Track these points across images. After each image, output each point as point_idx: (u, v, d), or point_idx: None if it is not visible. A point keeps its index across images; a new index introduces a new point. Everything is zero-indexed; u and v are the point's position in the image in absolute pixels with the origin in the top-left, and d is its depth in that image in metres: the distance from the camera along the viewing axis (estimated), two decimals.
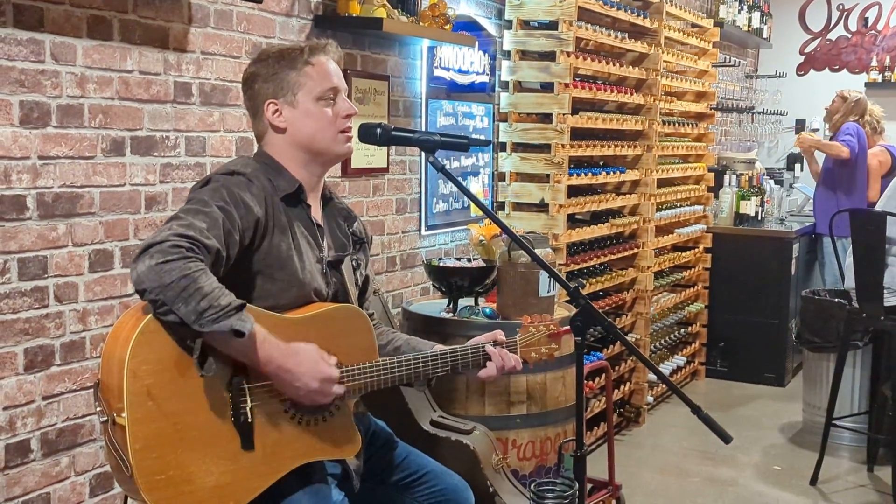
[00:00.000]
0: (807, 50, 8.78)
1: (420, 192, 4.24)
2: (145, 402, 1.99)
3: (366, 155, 3.84)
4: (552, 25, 4.57)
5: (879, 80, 8.43)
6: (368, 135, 2.37)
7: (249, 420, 2.11)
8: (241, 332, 1.99)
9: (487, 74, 4.54)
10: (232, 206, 2.14)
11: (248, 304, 2.11)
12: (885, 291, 4.46)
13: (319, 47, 2.36)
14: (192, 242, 2.00)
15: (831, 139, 6.47)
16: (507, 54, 4.67)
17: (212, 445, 2.07)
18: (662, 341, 5.97)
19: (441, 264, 3.69)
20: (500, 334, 2.49)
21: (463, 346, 2.45)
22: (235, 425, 2.10)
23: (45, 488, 2.68)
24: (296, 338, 2.19)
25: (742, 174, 6.93)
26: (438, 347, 2.47)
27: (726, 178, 6.81)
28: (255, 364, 2.08)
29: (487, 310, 3.60)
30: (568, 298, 2.30)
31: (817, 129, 8.19)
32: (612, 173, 5.08)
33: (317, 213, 2.40)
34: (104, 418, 2.04)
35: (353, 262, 2.49)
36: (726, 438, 2.18)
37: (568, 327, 2.34)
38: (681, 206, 6.16)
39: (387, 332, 2.57)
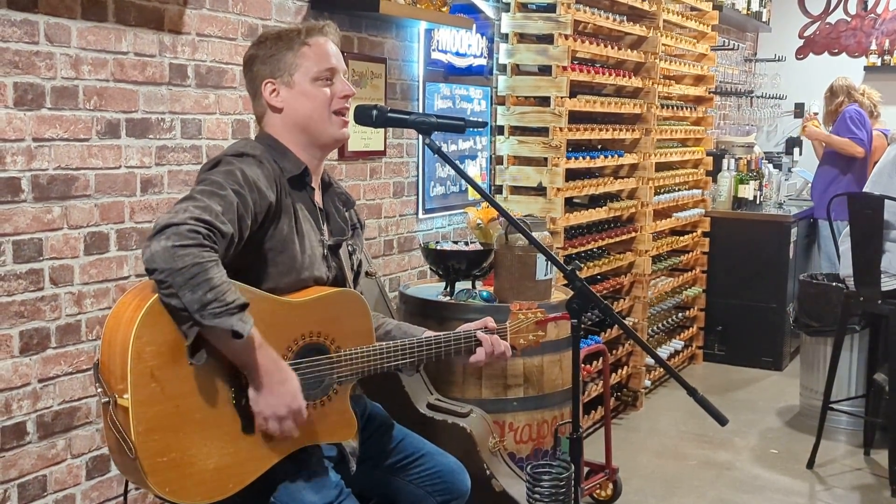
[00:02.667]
0: (806, 33, 8.75)
1: (417, 176, 4.23)
2: (149, 383, 1.98)
3: (363, 138, 3.83)
4: (550, 8, 4.55)
5: (878, 64, 8.40)
6: (364, 116, 2.36)
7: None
8: (240, 334, 1.97)
9: (485, 57, 4.52)
10: (246, 190, 2.12)
11: (249, 287, 2.12)
12: (882, 275, 4.46)
13: (317, 28, 2.36)
14: (210, 228, 1.99)
15: (832, 123, 6.48)
16: (504, 37, 4.65)
17: (213, 428, 2.07)
18: (660, 325, 5.97)
19: (438, 247, 3.68)
20: (490, 321, 2.52)
21: (455, 332, 2.47)
22: (237, 408, 2.10)
23: (42, 471, 2.69)
24: (297, 321, 2.20)
25: (740, 158, 6.92)
26: (430, 333, 2.50)
27: (725, 161, 6.80)
28: (243, 366, 2.07)
29: (485, 293, 3.60)
30: (565, 281, 2.30)
31: (817, 113, 8.17)
32: (610, 157, 5.07)
33: (318, 198, 2.41)
34: (105, 399, 2.04)
35: (350, 248, 2.49)
36: (722, 420, 2.18)
37: (555, 314, 2.36)
38: (679, 189, 6.15)
39: (376, 316, 2.57)
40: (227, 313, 1.95)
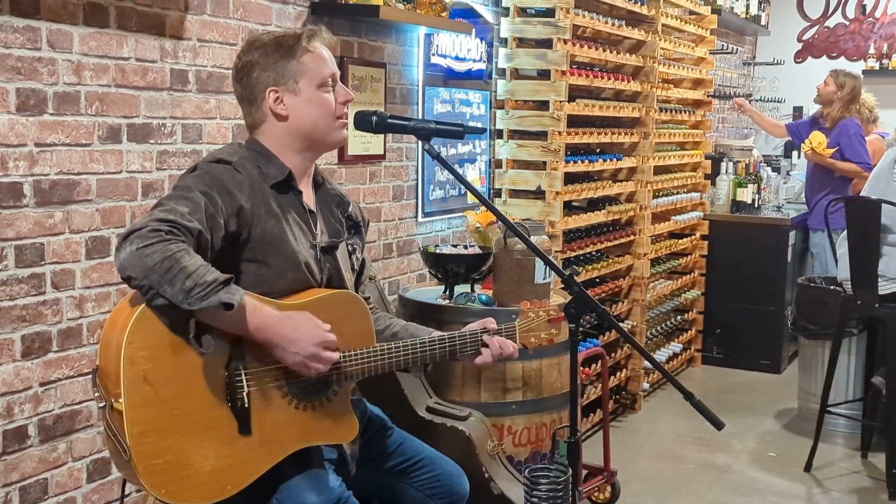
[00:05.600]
0: (805, 37, 8.76)
1: (417, 179, 4.25)
2: (142, 387, 2.00)
3: (362, 142, 3.84)
4: (549, 13, 4.57)
5: (877, 68, 8.42)
6: (364, 122, 2.38)
7: (247, 405, 2.13)
8: (231, 304, 2.00)
9: (484, 62, 4.54)
10: (215, 192, 2.14)
11: (243, 291, 2.12)
12: (879, 279, 4.47)
13: (315, 34, 2.36)
14: (172, 225, 2.02)
15: (829, 129, 6.34)
16: (504, 42, 4.67)
17: (209, 430, 2.08)
18: (659, 328, 5.99)
19: (437, 251, 3.69)
20: (491, 322, 2.50)
21: (461, 332, 2.46)
22: (233, 410, 2.12)
23: (43, 474, 2.71)
24: None
25: (739, 161, 6.93)
26: (436, 333, 2.49)
27: (723, 165, 6.81)
28: (250, 333, 2.10)
29: (483, 297, 3.61)
30: (563, 285, 2.31)
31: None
32: (608, 160, 5.08)
33: (308, 200, 2.40)
34: (102, 404, 2.07)
35: (349, 247, 2.49)
36: (718, 425, 2.20)
37: (562, 314, 2.35)
38: (677, 193, 6.17)
39: (384, 317, 2.58)
40: (212, 292, 1.98)
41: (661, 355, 5.93)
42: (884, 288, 4.46)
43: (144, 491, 2.05)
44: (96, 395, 2.10)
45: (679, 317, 6.37)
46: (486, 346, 2.46)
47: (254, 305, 2.09)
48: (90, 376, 2.76)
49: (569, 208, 4.88)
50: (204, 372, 2.08)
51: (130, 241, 1.98)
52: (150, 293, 1.97)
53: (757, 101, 8.34)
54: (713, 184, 6.77)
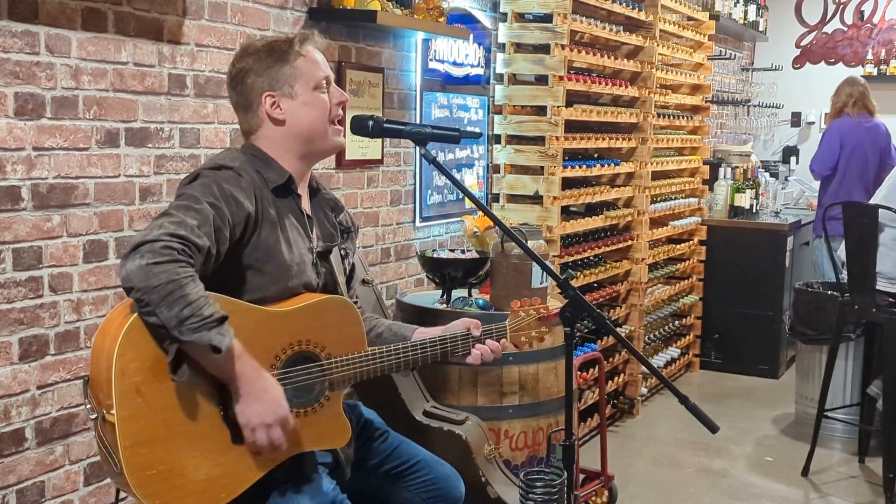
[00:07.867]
0: (803, 43, 8.79)
1: (414, 184, 4.26)
2: (134, 399, 1.99)
3: (360, 147, 3.85)
4: (547, 18, 4.58)
5: (875, 74, 8.43)
6: (361, 127, 2.39)
7: None
8: (218, 349, 1.98)
9: (482, 67, 4.55)
10: (222, 202, 2.13)
11: (234, 299, 2.12)
12: (883, 279, 4.47)
13: (307, 38, 2.37)
14: (184, 243, 2.00)
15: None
16: (501, 47, 4.68)
17: (201, 440, 2.07)
18: (657, 333, 6.00)
19: (435, 255, 3.70)
20: (475, 326, 2.49)
21: (451, 334, 2.47)
22: (225, 419, 2.10)
23: (40, 477, 2.71)
24: (285, 330, 2.20)
25: (737, 167, 6.95)
26: (420, 329, 2.51)
27: (721, 170, 6.82)
28: (225, 378, 2.06)
29: (481, 301, 3.62)
30: (559, 289, 2.32)
31: (813, 123, 8.21)
32: (606, 165, 5.10)
33: (305, 204, 2.41)
34: (94, 415, 2.05)
35: (342, 252, 2.50)
36: (713, 428, 2.20)
37: (556, 310, 2.36)
38: (675, 198, 6.18)
39: (370, 318, 2.58)
40: (205, 328, 1.96)
41: (658, 360, 5.94)
42: (887, 287, 4.46)
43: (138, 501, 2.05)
44: (88, 406, 2.08)
45: (677, 322, 6.38)
46: (475, 345, 2.47)
47: (239, 352, 2.05)
48: (82, 386, 2.78)
49: (566, 213, 4.89)
50: (196, 382, 2.06)
51: (141, 254, 1.95)
52: (147, 309, 1.95)
53: (755, 106, 8.36)
54: (711, 189, 6.78)
